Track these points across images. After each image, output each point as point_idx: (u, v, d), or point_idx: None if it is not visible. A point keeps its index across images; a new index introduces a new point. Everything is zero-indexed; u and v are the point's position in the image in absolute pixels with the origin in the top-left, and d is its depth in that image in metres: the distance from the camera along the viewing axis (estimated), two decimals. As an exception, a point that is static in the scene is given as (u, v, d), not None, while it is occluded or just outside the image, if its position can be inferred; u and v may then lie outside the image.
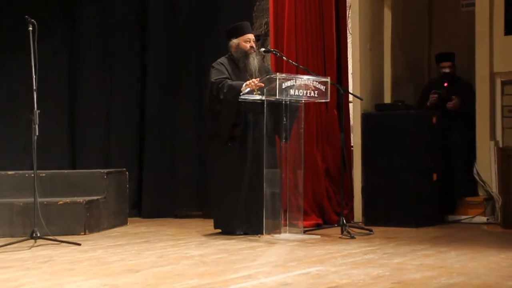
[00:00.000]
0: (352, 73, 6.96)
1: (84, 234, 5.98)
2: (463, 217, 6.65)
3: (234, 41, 5.97)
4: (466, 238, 5.57)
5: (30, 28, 5.31)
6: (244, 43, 5.94)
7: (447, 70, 7.06)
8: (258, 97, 5.63)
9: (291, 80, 5.52)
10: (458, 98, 6.94)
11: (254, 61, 5.92)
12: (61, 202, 6.03)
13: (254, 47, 5.97)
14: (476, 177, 6.70)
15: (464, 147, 6.85)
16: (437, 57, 7.19)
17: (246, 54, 5.92)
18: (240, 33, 5.96)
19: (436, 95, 6.94)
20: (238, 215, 5.79)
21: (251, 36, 5.98)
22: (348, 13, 7.17)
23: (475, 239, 5.51)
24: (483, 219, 6.58)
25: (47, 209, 5.84)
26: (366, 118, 6.71)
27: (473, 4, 6.94)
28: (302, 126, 5.69)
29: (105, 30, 7.89)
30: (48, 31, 7.54)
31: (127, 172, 6.95)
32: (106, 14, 7.89)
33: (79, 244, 5.27)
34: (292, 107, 5.63)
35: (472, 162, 6.75)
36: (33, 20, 5.32)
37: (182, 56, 7.61)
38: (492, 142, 6.74)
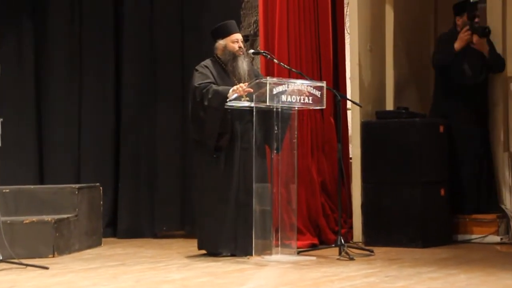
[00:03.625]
0: (350, 77, 6.98)
1: (53, 257, 5.95)
2: (474, 236, 6.66)
3: (221, 42, 5.99)
4: (478, 260, 5.58)
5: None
6: (231, 44, 5.95)
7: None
8: (246, 103, 5.65)
9: (283, 85, 5.54)
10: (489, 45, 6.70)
11: (243, 64, 5.94)
12: (27, 221, 6.00)
13: (243, 48, 5.98)
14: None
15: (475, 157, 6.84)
16: (456, 8, 6.88)
17: (234, 56, 5.93)
18: (226, 33, 5.98)
19: (469, 30, 6.62)
20: (224, 235, 5.79)
21: (238, 36, 6.00)
22: (346, 11, 7.20)
23: (488, 261, 5.52)
24: (496, 238, 6.59)
25: (11, 229, 5.80)
26: (366, 127, 6.71)
27: (484, 1, 6.93)
28: (296, 135, 5.70)
29: (75, 27, 7.84)
30: (12, 29, 7.50)
31: (101, 187, 6.93)
32: (76, 9, 7.86)
33: (46, 268, 5.25)
34: (284, 115, 5.64)
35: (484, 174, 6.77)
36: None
37: (162, 58, 7.60)
38: (506, 154, 6.76)
